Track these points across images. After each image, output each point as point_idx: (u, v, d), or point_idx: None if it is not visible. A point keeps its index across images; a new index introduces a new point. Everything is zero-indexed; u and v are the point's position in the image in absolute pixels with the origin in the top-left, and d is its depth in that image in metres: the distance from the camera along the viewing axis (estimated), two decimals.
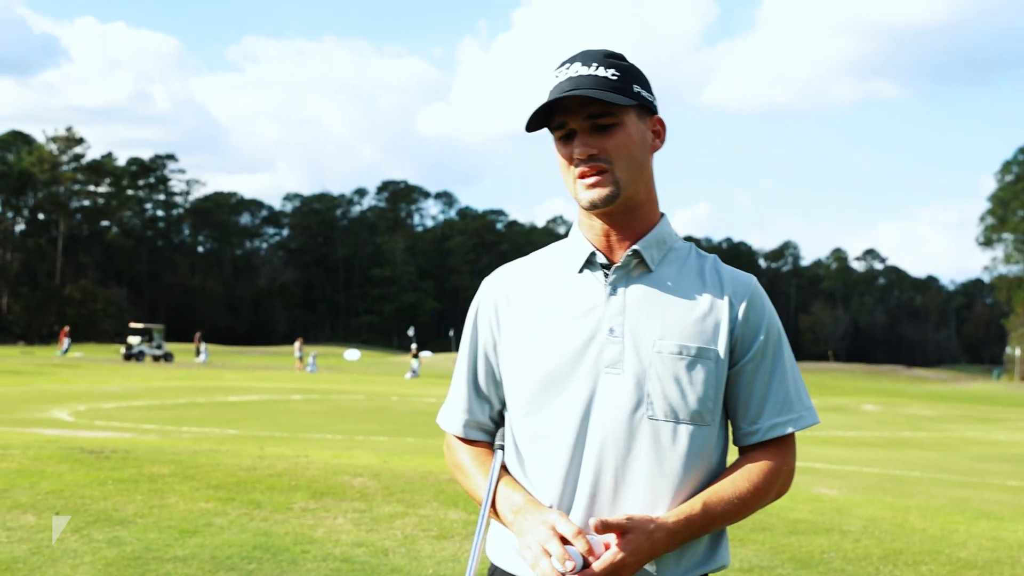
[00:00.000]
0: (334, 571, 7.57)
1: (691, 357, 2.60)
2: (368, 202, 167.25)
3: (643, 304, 2.64)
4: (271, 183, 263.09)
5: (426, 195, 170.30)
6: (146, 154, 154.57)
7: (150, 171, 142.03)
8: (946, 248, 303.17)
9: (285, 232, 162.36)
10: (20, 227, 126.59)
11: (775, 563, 8.52)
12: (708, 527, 2.58)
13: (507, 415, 2.78)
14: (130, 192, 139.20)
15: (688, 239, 2.84)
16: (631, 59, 2.75)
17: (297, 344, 64.75)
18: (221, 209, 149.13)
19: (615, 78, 2.61)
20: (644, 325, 2.61)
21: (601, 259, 2.68)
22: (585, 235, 2.73)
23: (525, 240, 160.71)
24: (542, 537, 2.47)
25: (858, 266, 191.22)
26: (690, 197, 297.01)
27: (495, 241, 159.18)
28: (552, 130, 2.68)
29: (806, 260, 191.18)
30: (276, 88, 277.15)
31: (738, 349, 2.66)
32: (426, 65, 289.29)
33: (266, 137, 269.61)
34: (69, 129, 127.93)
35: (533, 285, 2.75)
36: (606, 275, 2.67)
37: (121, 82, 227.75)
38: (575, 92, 2.55)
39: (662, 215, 2.77)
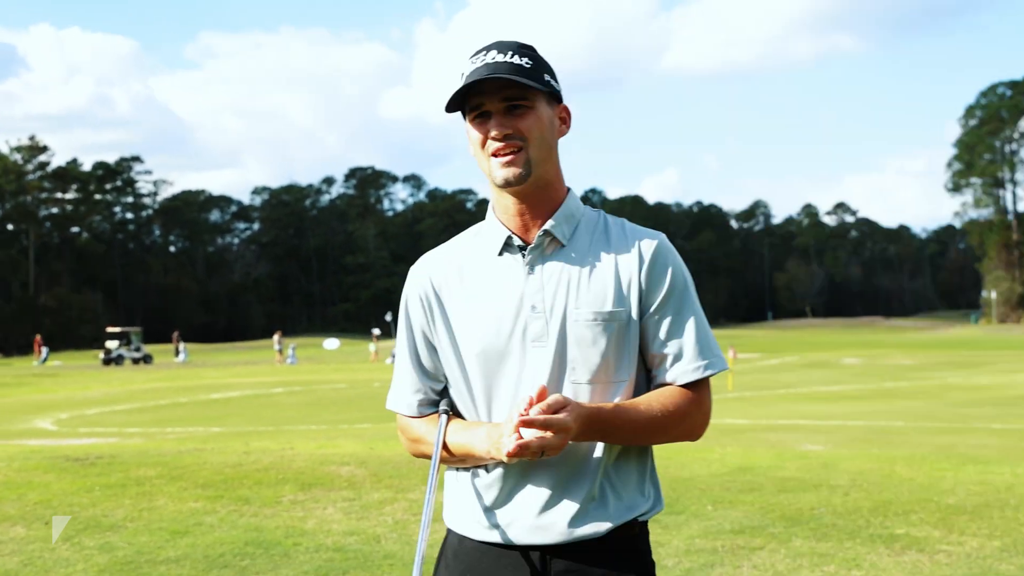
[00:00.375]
0: (327, 561, 7.57)
1: (604, 321, 2.78)
2: (336, 190, 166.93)
3: (559, 279, 2.83)
4: (239, 178, 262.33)
5: (394, 179, 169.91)
6: (111, 157, 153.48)
7: (116, 174, 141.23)
8: (916, 197, 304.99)
9: (256, 226, 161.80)
10: None
11: (766, 522, 8.56)
12: (617, 427, 2.74)
13: (450, 390, 2.96)
14: (98, 197, 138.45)
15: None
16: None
17: (276, 337, 64.59)
18: (190, 207, 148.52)
19: (528, 66, 2.80)
20: (560, 298, 2.80)
21: (517, 241, 2.87)
22: (499, 217, 2.91)
23: None
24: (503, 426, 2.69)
25: (829, 220, 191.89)
26: (658, 163, 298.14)
27: (466, 220, 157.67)
28: (467, 112, 2.86)
29: (777, 218, 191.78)
30: (237, 83, 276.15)
31: (644, 302, 2.83)
32: (385, 49, 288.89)
33: (230, 132, 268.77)
34: (32, 138, 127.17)
35: (458, 271, 2.93)
36: (523, 256, 2.85)
37: (81, 87, 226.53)
38: (494, 76, 2.74)
39: (568, 190, 2.94)
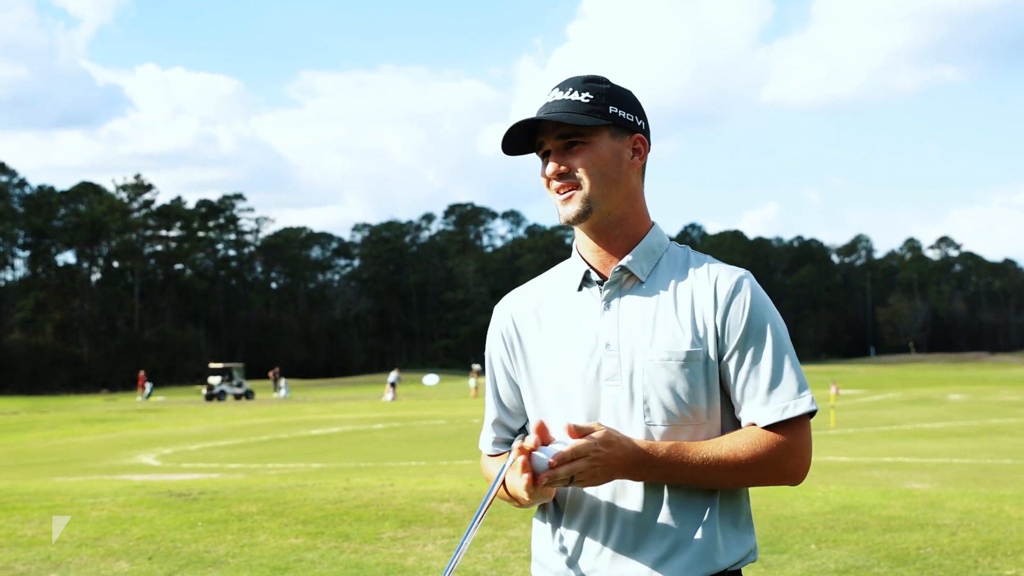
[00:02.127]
0: None
1: (680, 362, 2.70)
2: (436, 227, 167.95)
3: (635, 316, 2.77)
4: (339, 215, 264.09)
5: (493, 216, 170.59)
6: (214, 195, 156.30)
7: (219, 212, 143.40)
8: (1022, 230, 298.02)
9: (356, 263, 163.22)
10: (96, 276, 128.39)
11: (871, 562, 8.40)
12: (677, 467, 2.65)
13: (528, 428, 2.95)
14: (201, 234, 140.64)
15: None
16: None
17: (395, 373, 64.57)
18: (291, 244, 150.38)
19: (587, 101, 2.78)
20: (637, 337, 2.73)
21: (595, 276, 2.83)
22: (581, 252, 2.89)
23: None
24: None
25: (933, 255, 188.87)
26: (758, 198, 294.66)
27: (565, 256, 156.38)
28: (536, 151, 2.87)
29: (879, 252, 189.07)
30: (337, 120, 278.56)
31: (721, 343, 2.73)
32: (485, 86, 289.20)
33: (331, 170, 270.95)
34: (138, 176, 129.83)
35: (538, 307, 2.92)
36: (600, 291, 2.81)
37: (186, 126, 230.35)
38: (542, 116, 2.77)
39: (652, 225, 2.89)
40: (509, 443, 2.97)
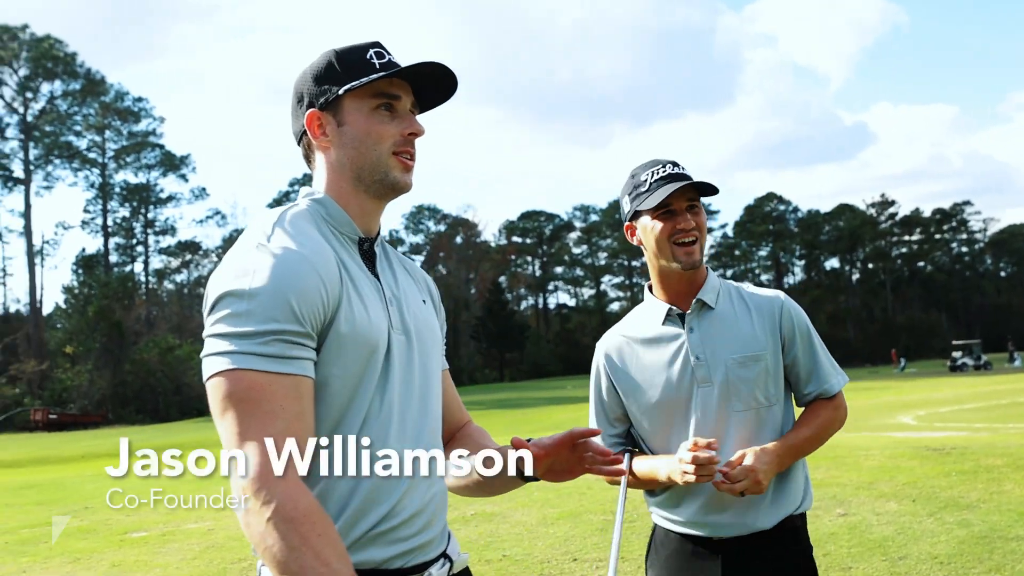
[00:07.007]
0: None
1: (752, 362, 2.84)
2: None
3: (712, 333, 2.89)
4: None
5: None
6: (946, 204, 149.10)
7: (951, 217, 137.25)
8: None
9: None
10: (855, 276, 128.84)
11: None
12: (798, 454, 2.83)
13: (635, 432, 2.99)
14: (937, 236, 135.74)
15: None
16: None
17: None
18: (1015, 239, 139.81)
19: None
20: (719, 348, 2.86)
21: (676, 311, 2.93)
22: (658, 295, 2.97)
23: None
24: (679, 456, 2.73)
25: None
26: None
27: None
28: (655, 210, 2.85)
29: None
30: None
31: (786, 345, 2.89)
32: None
33: None
34: (883, 195, 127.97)
35: (632, 339, 2.97)
36: (682, 320, 2.91)
37: (917, 151, 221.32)
38: (692, 181, 2.81)
39: (708, 267, 2.98)
40: (620, 445, 2.98)
